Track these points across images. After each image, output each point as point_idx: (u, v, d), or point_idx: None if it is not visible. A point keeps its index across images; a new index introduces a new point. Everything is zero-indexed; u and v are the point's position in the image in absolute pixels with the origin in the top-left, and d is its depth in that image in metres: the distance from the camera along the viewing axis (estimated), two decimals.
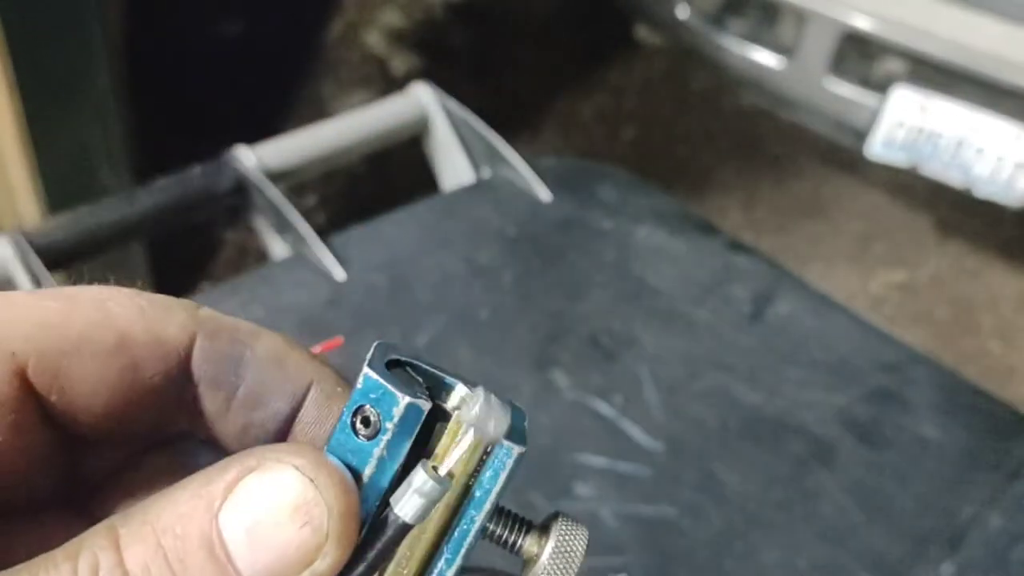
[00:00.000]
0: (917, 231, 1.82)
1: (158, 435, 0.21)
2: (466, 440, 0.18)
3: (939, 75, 1.31)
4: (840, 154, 1.90)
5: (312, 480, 0.17)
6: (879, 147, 1.36)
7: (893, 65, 1.35)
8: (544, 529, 0.20)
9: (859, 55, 1.37)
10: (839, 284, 1.71)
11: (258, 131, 0.76)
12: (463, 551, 0.19)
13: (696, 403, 0.62)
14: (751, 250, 0.75)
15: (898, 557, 0.56)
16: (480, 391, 0.19)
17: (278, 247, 0.70)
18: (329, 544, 0.17)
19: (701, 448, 0.60)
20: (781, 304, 0.70)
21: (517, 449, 0.18)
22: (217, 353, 0.20)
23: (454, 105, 0.77)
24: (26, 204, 1.14)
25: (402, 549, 0.18)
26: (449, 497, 0.18)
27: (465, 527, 0.18)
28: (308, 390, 0.21)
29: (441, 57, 2.00)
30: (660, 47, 2.08)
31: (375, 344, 0.19)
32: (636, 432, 0.60)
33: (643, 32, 2.04)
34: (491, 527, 0.19)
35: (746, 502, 0.57)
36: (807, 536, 0.56)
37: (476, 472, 0.18)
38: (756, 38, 1.44)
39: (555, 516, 0.20)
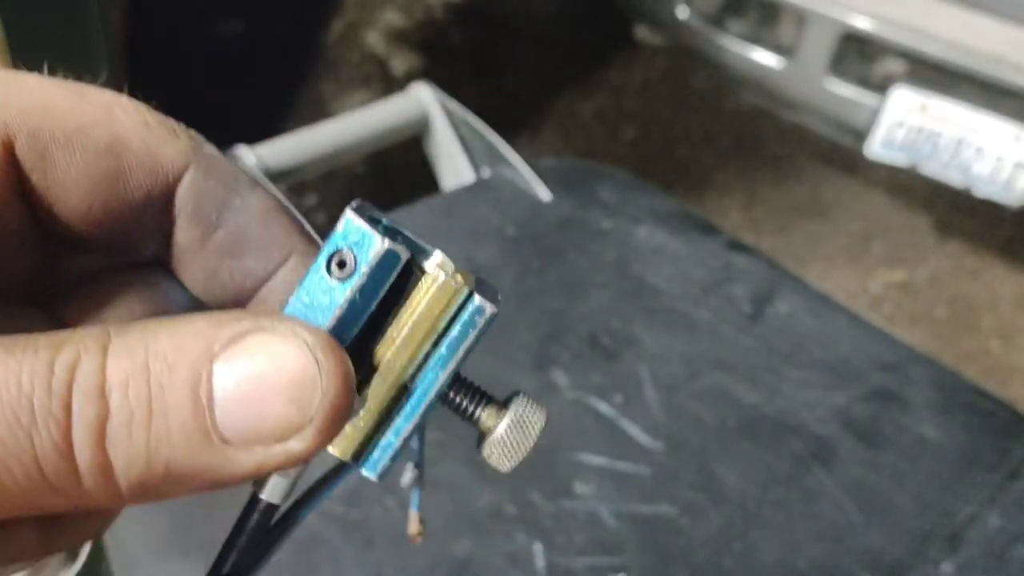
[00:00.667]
0: (917, 231, 1.82)
1: (130, 253, 0.21)
2: (436, 288, 0.18)
3: (938, 75, 1.31)
4: (840, 154, 1.90)
5: (317, 362, 0.16)
6: (879, 147, 1.36)
7: (893, 65, 1.35)
8: (504, 404, 0.19)
9: (859, 55, 1.37)
10: (839, 284, 1.71)
11: (259, 130, 0.76)
12: (422, 408, 0.18)
13: (696, 402, 0.62)
14: (751, 250, 0.75)
15: (897, 556, 0.56)
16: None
17: None
18: (310, 429, 0.16)
19: (700, 447, 0.60)
20: (781, 304, 0.70)
21: (489, 307, 0.18)
22: (206, 189, 0.19)
23: (454, 105, 0.77)
24: None
25: (361, 402, 0.18)
26: (414, 350, 0.18)
27: (427, 384, 0.18)
28: (288, 257, 0.20)
29: (441, 57, 2.00)
30: (660, 47, 2.08)
31: (357, 200, 0.19)
32: (636, 431, 0.60)
33: (643, 32, 2.04)
34: (452, 395, 0.19)
35: (745, 501, 0.57)
36: (806, 535, 0.56)
37: (445, 331, 0.18)
38: (756, 38, 1.44)
39: (515, 393, 0.20)
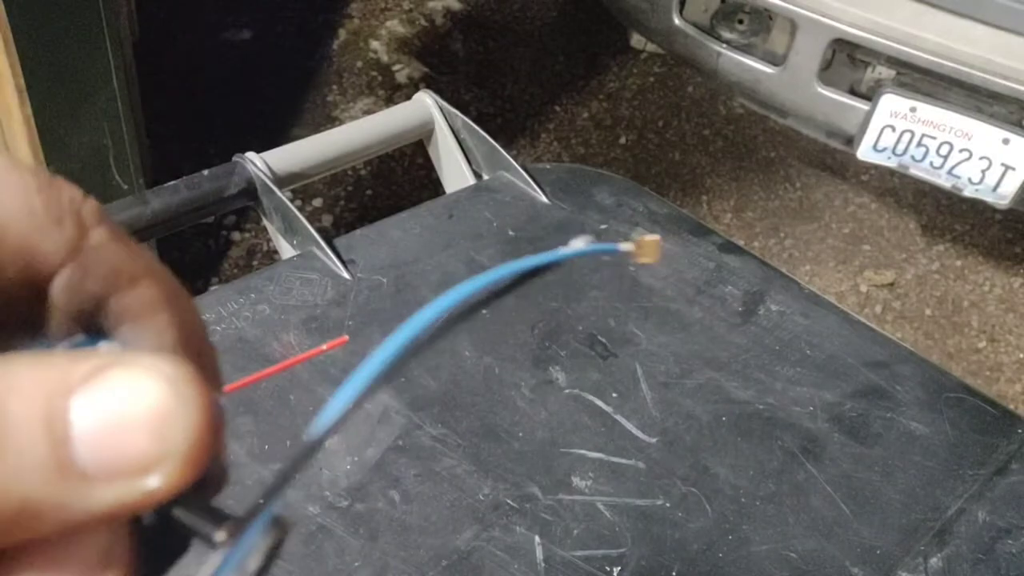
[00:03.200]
0: (906, 232, 1.84)
1: (5, 333, 0.18)
2: None
3: (927, 81, 1.33)
4: (830, 158, 1.92)
5: (178, 394, 0.16)
6: (869, 151, 1.38)
7: (882, 72, 1.37)
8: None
9: (849, 62, 1.39)
10: (829, 285, 1.73)
11: (265, 136, 0.77)
12: None
13: (689, 399, 0.64)
14: (743, 251, 0.77)
15: (886, 550, 0.57)
16: None
17: (286, 248, 0.71)
18: (171, 463, 0.15)
19: (694, 443, 0.61)
20: (772, 303, 0.71)
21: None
22: (81, 288, 0.18)
23: (456, 113, 0.79)
24: None
25: None
26: None
27: None
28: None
29: (443, 64, 2.02)
30: (655, 55, 2.10)
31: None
32: (631, 427, 0.61)
33: (638, 40, 2.06)
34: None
35: (738, 495, 0.59)
36: (797, 528, 0.57)
37: None
38: (748, 46, 1.46)
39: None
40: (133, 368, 0.16)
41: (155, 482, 0.16)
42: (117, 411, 0.15)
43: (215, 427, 0.16)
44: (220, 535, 0.17)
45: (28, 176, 0.18)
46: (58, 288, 0.18)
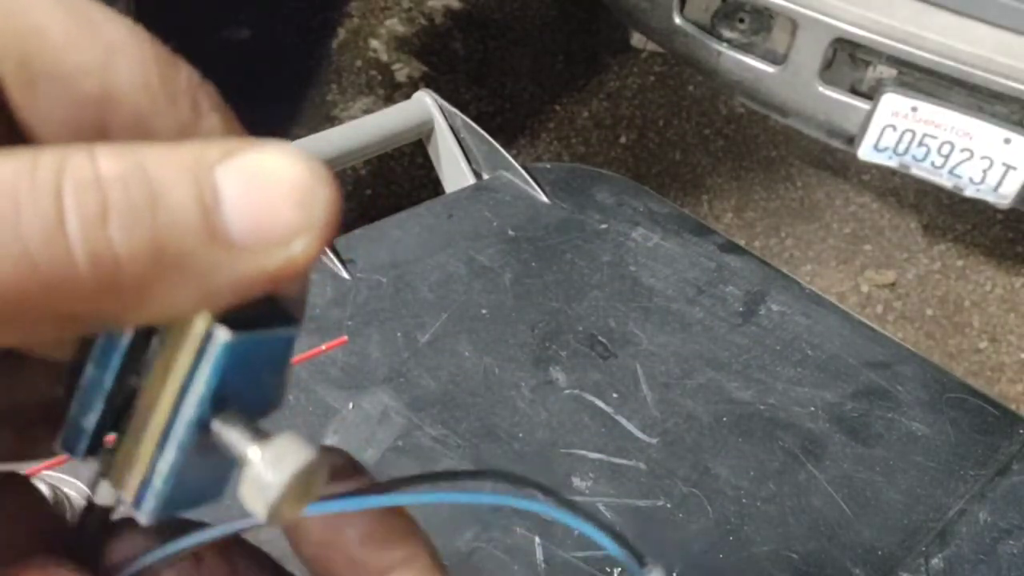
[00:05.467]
0: (907, 232, 1.84)
1: None
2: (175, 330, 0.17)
3: (928, 80, 1.33)
4: (831, 157, 1.92)
5: (314, 171, 0.16)
6: (870, 150, 1.37)
7: (883, 71, 1.37)
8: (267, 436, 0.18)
9: (850, 61, 1.39)
10: (830, 284, 1.73)
11: (264, 135, 0.77)
12: (175, 446, 0.17)
13: (690, 399, 0.64)
14: (743, 251, 0.77)
15: (887, 550, 0.57)
16: None
17: None
18: (312, 234, 0.15)
19: (695, 443, 0.61)
20: (773, 303, 0.71)
21: (223, 337, 0.16)
22: None
23: (456, 112, 0.79)
24: None
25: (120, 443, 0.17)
26: (173, 386, 0.17)
27: (179, 420, 0.17)
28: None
29: (443, 63, 2.02)
30: (655, 54, 2.10)
31: None
32: (632, 428, 0.61)
33: (639, 39, 2.06)
34: (216, 428, 0.17)
35: (739, 496, 0.58)
36: (798, 529, 0.57)
37: (196, 363, 0.17)
38: (749, 45, 1.45)
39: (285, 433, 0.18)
40: (267, 148, 0.16)
41: (297, 250, 0.15)
42: (263, 182, 0.15)
43: (339, 204, 0.16)
44: (254, 451, 0.17)
45: (148, 47, 0.17)
46: None
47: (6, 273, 0.14)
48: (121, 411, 0.18)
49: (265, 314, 0.17)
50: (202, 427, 0.17)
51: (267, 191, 0.15)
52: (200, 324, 0.16)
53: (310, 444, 0.17)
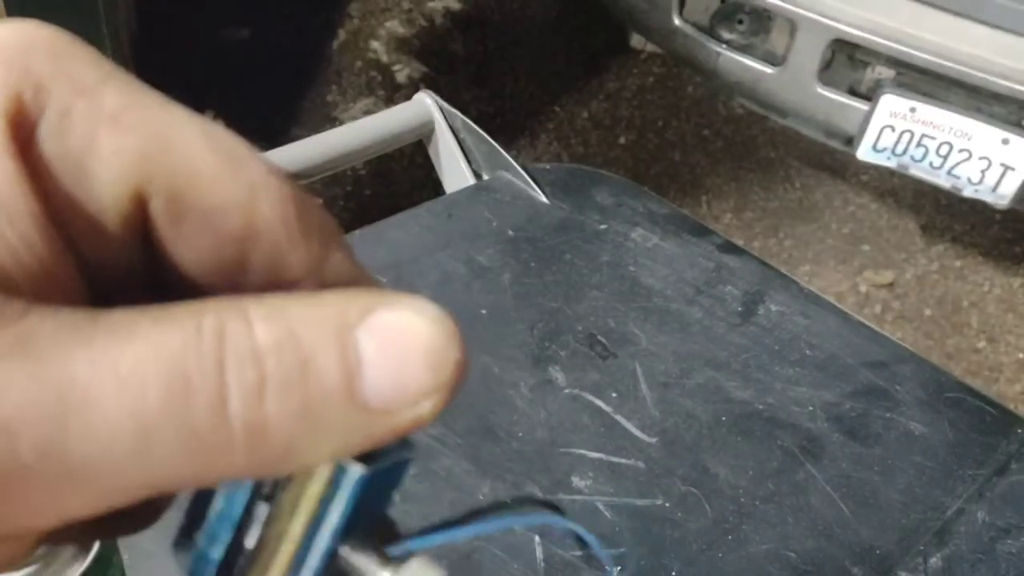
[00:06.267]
0: (905, 233, 1.85)
1: None
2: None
3: (927, 81, 1.33)
4: (830, 158, 1.92)
5: (445, 330, 0.16)
6: (868, 151, 1.38)
7: (882, 72, 1.37)
8: (399, 564, 0.19)
9: (849, 62, 1.39)
10: (829, 285, 1.73)
11: (264, 136, 0.78)
12: (312, 572, 0.18)
13: (689, 399, 0.64)
14: (742, 251, 0.77)
15: (886, 550, 0.57)
16: None
17: None
18: (442, 392, 0.16)
19: (694, 442, 0.61)
20: (771, 303, 0.71)
21: (356, 470, 0.17)
22: None
23: (456, 113, 0.79)
24: None
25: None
26: (303, 517, 0.18)
27: (312, 549, 0.18)
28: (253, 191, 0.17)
29: (443, 64, 2.02)
30: (655, 55, 2.10)
31: None
32: (631, 427, 0.62)
33: (638, 40, 2.06)
34: (347, 555, 0.19)
35: (737, 495, 0.59)
36: (797, 528, 0.57)
37: (326, 493, 0.18)
38: (748, 46, 1.46)
39: (410, 554, 0.19)
40: (402, 306, 0.16)
41: (425, 410, 0.16)
42: (399, 345, 0.16)
43: (466, 358, 0.17)
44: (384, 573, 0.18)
45: (286, 184, 0.18)
46: None
47: (174, 454, 0.15)
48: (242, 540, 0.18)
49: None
50: (333, 555, 0.18)
51: (403, 355, 0.16)
52: (323, 467, 0.17)
53: (438, 568, 0.19)
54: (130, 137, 0.16)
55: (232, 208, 0.17)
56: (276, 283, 0.18)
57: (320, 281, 0.18)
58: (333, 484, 0.18)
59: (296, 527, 0.18)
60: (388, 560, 0.19)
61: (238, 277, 0.18)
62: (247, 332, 0.15)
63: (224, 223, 0.17)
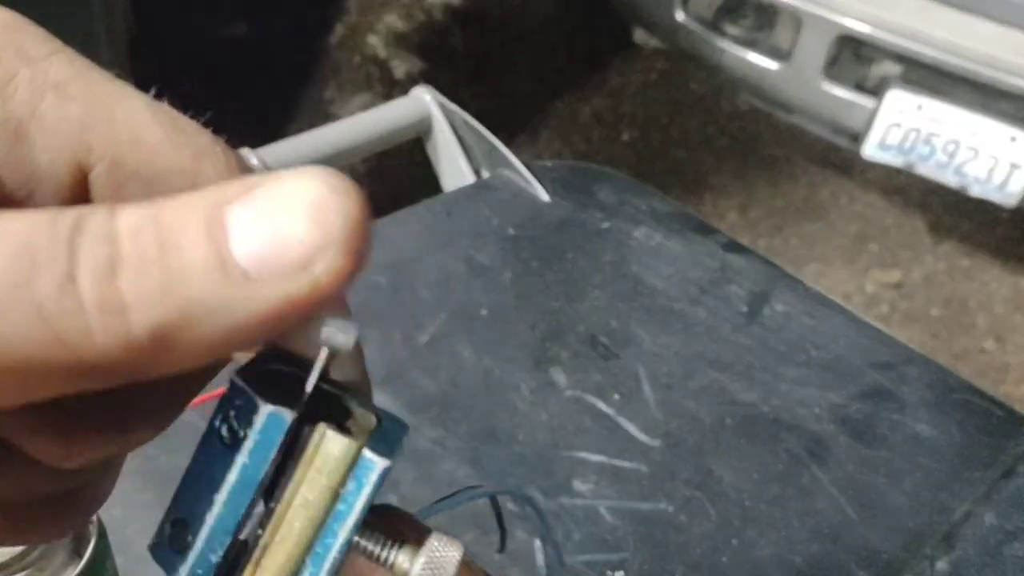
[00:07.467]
0: (912, 232, 1.84)
1: None
2: (323, 447, 0.17)
3: (934, 77, 1.32)
4: (836, 156, 1.91)
5: (332, 185, 0.15)
6: (875, 148, 1.37)
7: (888, 68, 1.36)
8: (417, 545, 0.19)
9: (855, 58, 1.38)
10: (835, 284, 1.72)
11: (262, 132, 0.77)
12: (327, 566, 0.18)
13: (693, 401, 0.63)
14: (747, 250, 0.76)
15: (892, 554, 0.56)
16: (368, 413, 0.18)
17: None
18: (334, 250, 0.15)
19: (698, 445, 0.61)
20: (777, 303, 0.71)
21: (381, 463, 0.17)
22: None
23: (455, 109, 0.78)
24: None
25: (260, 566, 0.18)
26: (312, 510, 0.18)
27: (329, 541, 0.18)
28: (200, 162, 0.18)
29: (442, 60, 2.01)
30: (658, 50, 2.09)
31: (249, 362, 0.18)
32: (634, 429, 0.61)
33: (641, 36, 2.05)
34: (360, 541, 0.19)
35: (742, 498, 0.58)
36: (802, 532, 0.57)
37: (342, 485, 0.18)
38: (753, 41, 1.45)
39: (429, 532, 0.20)
40: (285, 178, 0.16)
41: (319, 270, 0.15)
42: (276, 206, 0.15)
43: (370, 211, 0.16)
44: (406, 560, 0.19)
45: (231, 152, 0.18)
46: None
47: (20, 330, 0.14)
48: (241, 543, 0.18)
49: (380, 419, 0.19)
50: (351, 545, 0.18)
51: (280, 212, 0.15)
52: (335, 448, 0.17)
53: (455, 542, 0.19)
54: (73, 106, 0.17)
55: (176, 173, 0.17)
56: None
57: None
58: (352, 476, 0.17)
59: (308, 521, 0.18)
60: (402, 540, 0.19)
61: None
62: (107, 218, 0.15)
63: (169, 186, 0.17)
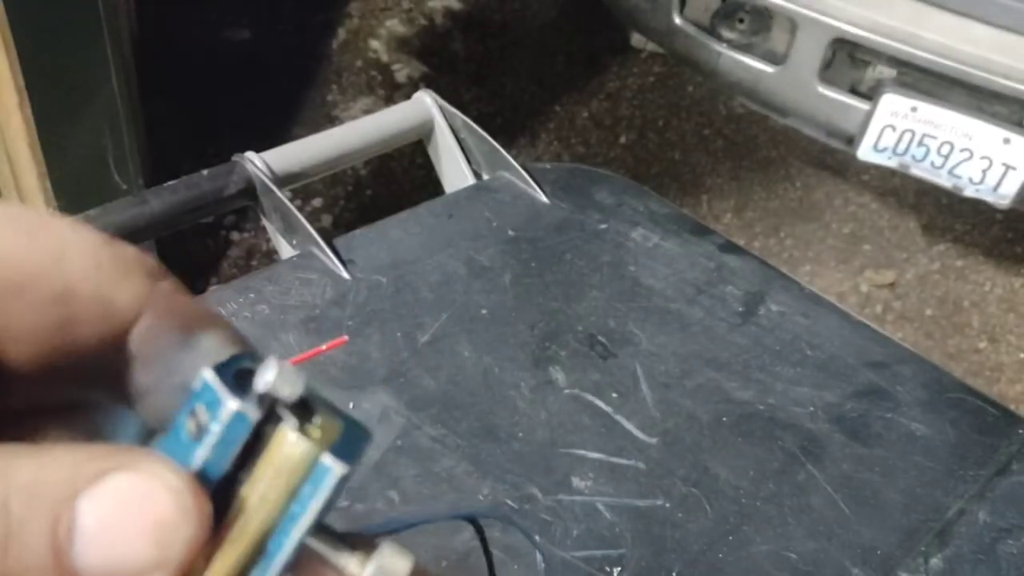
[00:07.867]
0: (906, 232, 1.84)
1: (83, 391, 0.20)
2: (284, 449, 0.17)
3: (928, 80, 1.33)
4: (831, 157, 1.92)
5: (180, 505, 0.16)
6: (869, 151, 1.38)
7: (883, 71, 1.37)
8: (367, 552, 0.19)
9: (850, 61, 1.39)
10: (830, 285, 1.73)
11: (265, 135, 0.78)
12: (278, 565, 0.18)
13: (689, 399, 0.64)
14: (743, 251, 0.77)
15: (887, 551, 0.57)
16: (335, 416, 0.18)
17: (286, 248, 0.71)
18: (165, 570, 0.16)
19: (694, 443, 0.61)
20: (772, 303, 0.71)
21: (339, 469, 0.17)
22: (159, 333, 0.19)
23: (456, 112, 0.79)
24: (37, 207, 1.15)
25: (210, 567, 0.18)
26: (269, 510, 0.18)
27: (281, 540, 0.18)
28: None
29: (443, 64, 2.02)
30: (655, 54, 2.10)
31: (224, 359, 0.19)
32: (631, 427, 0.61)
33: (638, 40, 2.06)
34: (312, 545, 0.18)
35: (738, 495, 0.59)
36: (797, 529, 0.57)
37: (300, 487, 0.18)
38: (748, 45, 1.46)
39: (379, 541, 0.19)
40: (138, 473, 0.16)
41: None
42: (121, 518, 0.16)
43: (209, 534, 0.16)
44: (356, 565, 0.18)
45: (93, 235, 0.18)
46: (136, 335, 0.19)
47: None
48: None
49: (346, 426, 0.19)
50: (302, 548, 0.18)
51: (125, 526, 0.16)
52: (295, 451, 0.17)
53: (405, 552, 0.19)
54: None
55: (41, 275, 0.17)
56: (111, 326, 0.18)
57: (156, 313, 0.19)
58: (310, 479, 0.17)
59: (263, 520, 0.18)
60: (354, 546, 0.19)
61: (71, 332, 0.18)
62: None
63: (37, 292, 0.17)
